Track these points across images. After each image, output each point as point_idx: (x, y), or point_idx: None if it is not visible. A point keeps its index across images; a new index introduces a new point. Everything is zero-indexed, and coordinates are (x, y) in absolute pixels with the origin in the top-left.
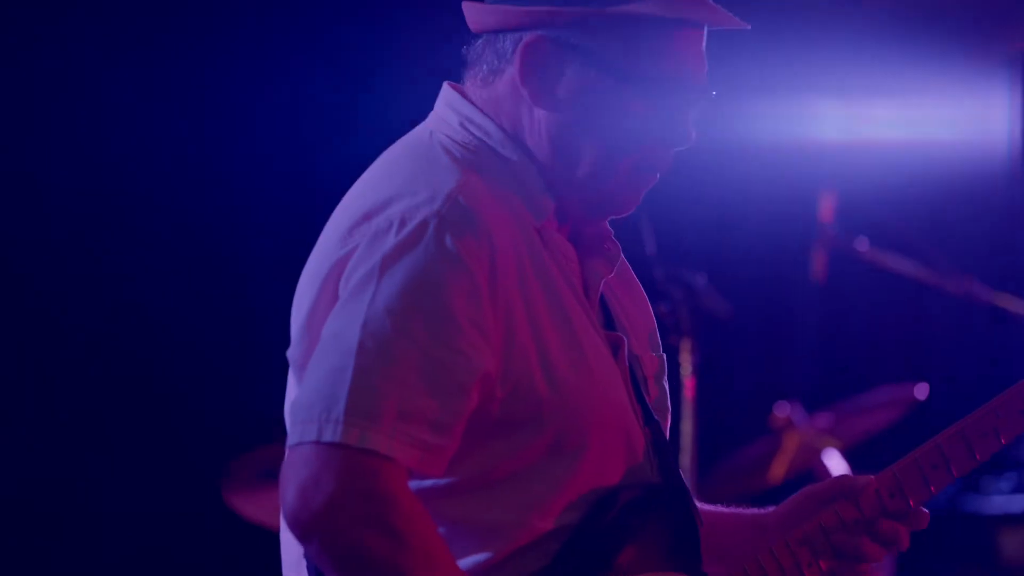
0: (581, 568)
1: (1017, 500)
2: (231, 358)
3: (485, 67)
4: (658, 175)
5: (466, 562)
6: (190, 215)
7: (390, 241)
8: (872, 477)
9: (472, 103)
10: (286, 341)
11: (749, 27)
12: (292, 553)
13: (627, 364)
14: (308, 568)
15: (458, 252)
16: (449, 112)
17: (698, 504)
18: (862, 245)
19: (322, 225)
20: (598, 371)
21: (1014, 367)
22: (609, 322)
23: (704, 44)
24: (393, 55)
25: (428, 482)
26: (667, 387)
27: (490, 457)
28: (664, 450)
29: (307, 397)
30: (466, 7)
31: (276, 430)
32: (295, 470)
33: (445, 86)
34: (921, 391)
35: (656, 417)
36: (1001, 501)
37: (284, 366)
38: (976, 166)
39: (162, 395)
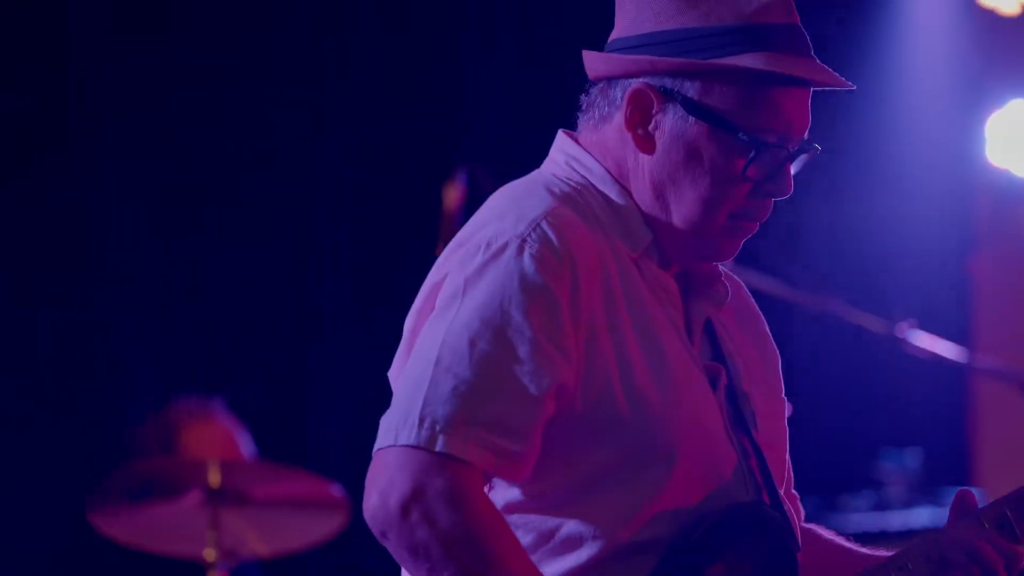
0: None
1: (874, 518)
2: (93, 381)
3: (596, 113)
4: (757, 224)
5: (552, 569)
6: (55, 246)
7: (476, 262)
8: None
9: (581, 146)
10: (147, 367)
11: (854, 87)
12: None
13: (725, 395)
14: None
15: (536, 269)
16: (559, 154)
17: (817, 534)
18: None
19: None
20: (687, 394)
21: (875, 385)
22: (716, 357)
23: (809, 100)
24: None
25: (514, 494)
26: (784, 429)
27: (573, 469)
28: (767, 477)
29: (391, 409)
30: (585, 56)
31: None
32: (375, 473)
33: (559, 132)
34: None
35: (761, 450)
36: (859, 519)
37: (150, 389)
38: (835, 181)
39: (25, 417)
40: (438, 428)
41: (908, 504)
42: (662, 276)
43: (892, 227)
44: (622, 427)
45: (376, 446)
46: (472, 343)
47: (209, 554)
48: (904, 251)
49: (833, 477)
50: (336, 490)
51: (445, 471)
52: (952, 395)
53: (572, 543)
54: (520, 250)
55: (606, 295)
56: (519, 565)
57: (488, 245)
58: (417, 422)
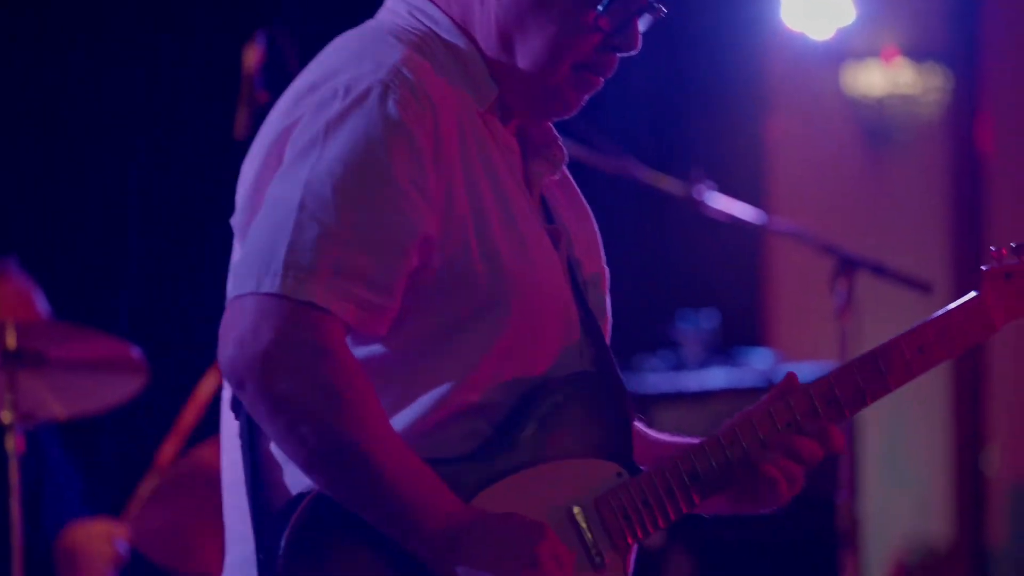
0: (508, 450)
1: (670, 378)
2: None
3: None
4: (602, 79)
5: (395, 425)
6: None
7: (335, 107)
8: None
9: None
10: None
11: None
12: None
13: (566, 257)
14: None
15: (400, 116)
16: (398, 3)
17: (644, 430)
18: None
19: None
20: (535, 251)
21: (671, 246)
22: (550, 220)
23: None
24: None
25: (363, 351)
26: (608, 300)
27: (423, 325)
28: (602, 344)
29: (248, 254)
30: None
31: None
32: (233, 320)
33: None
34: None
35: (595, 316)
36: (655, 380)
37: None
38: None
39: None
40: (302, 276)
41: (704, 364)
42: (506, 135)
43: (687, 88)
44: (475, 283)
45: (233, 292)
46: (336, 190)
47: (6, 416)
48: (699, 112)
49: (630, 338)
50: (135, 352)
51: (309, 321)
52: (747, 256)
53: (416, 403)
54: (384, 96)
55: (462, 146)
56: (378, 419)
57: (348, 90)
58: (281, 269)
